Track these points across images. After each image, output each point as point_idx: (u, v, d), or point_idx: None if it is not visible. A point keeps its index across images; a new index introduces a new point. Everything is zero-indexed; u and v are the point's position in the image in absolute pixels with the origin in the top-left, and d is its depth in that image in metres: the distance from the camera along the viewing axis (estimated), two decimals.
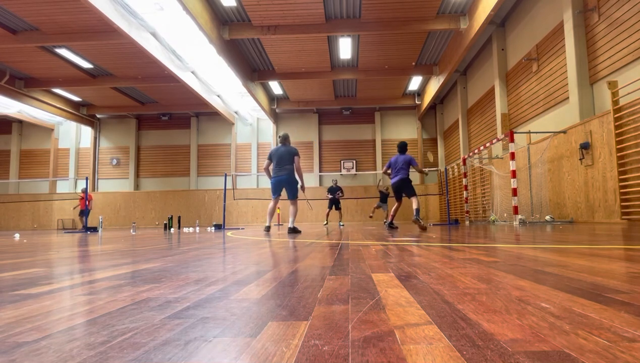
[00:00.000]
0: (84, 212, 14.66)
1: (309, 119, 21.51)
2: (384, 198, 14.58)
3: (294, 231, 6.40)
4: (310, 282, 1.35)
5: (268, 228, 6.64)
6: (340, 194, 13.67)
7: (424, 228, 6.61)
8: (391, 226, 7.61)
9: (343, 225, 13.11)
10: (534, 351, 0.61)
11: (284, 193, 6.98)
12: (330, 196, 13.66)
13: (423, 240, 3.69)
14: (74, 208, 15.15)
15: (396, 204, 7.63)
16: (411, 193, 7.38)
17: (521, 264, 1.69)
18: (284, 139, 6.82)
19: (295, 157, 6.68)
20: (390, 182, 7.65)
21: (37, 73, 16.06)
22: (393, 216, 7.59)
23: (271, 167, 6.84)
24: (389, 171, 7.70)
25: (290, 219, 6.64)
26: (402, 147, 7.65)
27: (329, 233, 5.88)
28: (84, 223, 11.39)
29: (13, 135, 22.28)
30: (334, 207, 13.66)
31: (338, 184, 14.20)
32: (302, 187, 6.96)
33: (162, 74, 15.98)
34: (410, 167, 7.52)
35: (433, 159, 8.54)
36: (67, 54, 14.18)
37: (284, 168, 6.63)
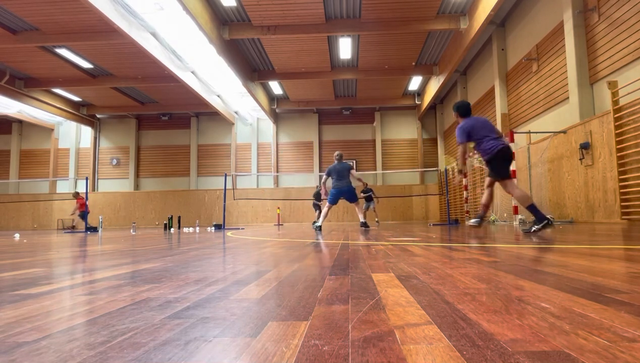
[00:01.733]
0: (84, 215, 14.68)
1: (309, 119, 21.52)
2: (369, 198, 14.58)
3: (365, 225, 7.94)
4: (310, 282, 1.35)
5: (318, 227, 7.72)
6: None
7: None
8: (481, 221, 5.27)
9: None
10: (534, 351, 0.61)
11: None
12: (316, 201, 14.24)
13: (423, 240, 3.69)
14: (72, 214, 15.09)
15: (493, 184, 5.03)
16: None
17: (521, 264, 1.69)
18: (340, 157, 8.25)
19: (351, 171, 8.21)
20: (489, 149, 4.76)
21: (37, 73, 16.06)
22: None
23: (328, 182, 8.33)
24: (472, 142, 4.98)
25: (360, 216, 8.17)
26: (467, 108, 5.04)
27: (324, 235, 5.88)
28: (86, 224, 11.40)
29: (13, 135, 22.28)
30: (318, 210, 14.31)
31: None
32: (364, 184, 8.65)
33: (162, 74, 15.97)
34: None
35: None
36: (67, 54, 14.18)
37: (344, 181, 8.09)
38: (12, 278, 1.63)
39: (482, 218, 5.25)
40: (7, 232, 13.58)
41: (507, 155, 4.83)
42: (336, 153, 8.32)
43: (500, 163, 4.82)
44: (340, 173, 8.12)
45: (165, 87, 17.85)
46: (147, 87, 17.94)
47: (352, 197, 8.24)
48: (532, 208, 4.56)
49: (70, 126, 22.04)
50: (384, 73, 16.07)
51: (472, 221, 5.34)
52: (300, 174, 20.98)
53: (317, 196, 14.45)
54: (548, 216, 4.58)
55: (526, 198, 4.66)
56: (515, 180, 5.35)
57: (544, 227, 4.43)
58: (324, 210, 8.14)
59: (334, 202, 8.15)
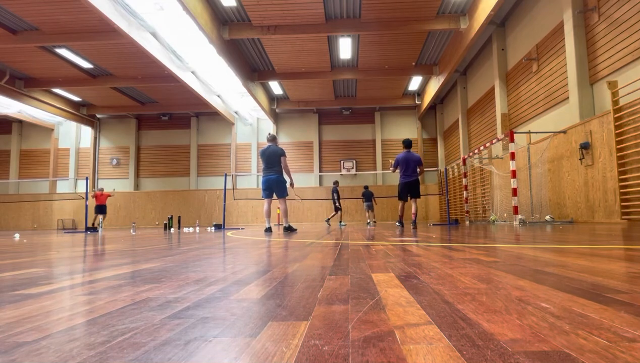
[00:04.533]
0: (101, 209, 14.82)
1: (309, 119, 21.52)
2: (368, 197, 14.75)
3: (290, 229, 6.71)
4: (310, 282, 1.35)
5: (269, 229, 6.72)
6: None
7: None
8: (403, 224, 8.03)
9: (345, 224, 13.38)
10: (534, 351, 0.61)
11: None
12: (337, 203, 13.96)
13: (423, 240, 3.69)
14: (92, 196, 15.30)
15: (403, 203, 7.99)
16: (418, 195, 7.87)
17: (521, 264, 1.69)
18: (272, 139, 7.08)
19: (282, 158, 6.91)
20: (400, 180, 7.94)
21: (37, 73, 16.06)
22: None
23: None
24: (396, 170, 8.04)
25: (284, 219, 6.90)
26: (409, 143, 7.94)
27: (329, 233, 5.88)
28: (85, 223, 11.38)
29: (13, 135, 22.28)
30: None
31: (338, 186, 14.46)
32: (291, 184, 7.18)
33: (162, 74, 15.98)
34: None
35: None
36: (67, 54, 14.18)
37: (272, 169, 6.90)
38: (12, 278, 1.63)
39: (400, 223, 7.94)
40: (7, 232, 13.59)
41: (406, 187, 7.77)
42: (268, 133, 7.26)
43: (401, 189, 7.82)
44: (269, 159, 6.87)
45: (165, 87, 17.85)
46: (147, 87, 17.95)
47: (279, 191, 6.89)
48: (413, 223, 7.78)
49: (70, 126, 22.05)
50: (384, 73, 16.07)
51: (397, 223, 8.21)
52: (300, 173, 20.98)
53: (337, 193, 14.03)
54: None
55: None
56: (400, 203, 7.98)
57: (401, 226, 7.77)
58: (265, 206, 7.04)
59: (266, 195, 6.91)
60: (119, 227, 20.97)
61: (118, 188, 21.92)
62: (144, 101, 20.20)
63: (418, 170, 7.87)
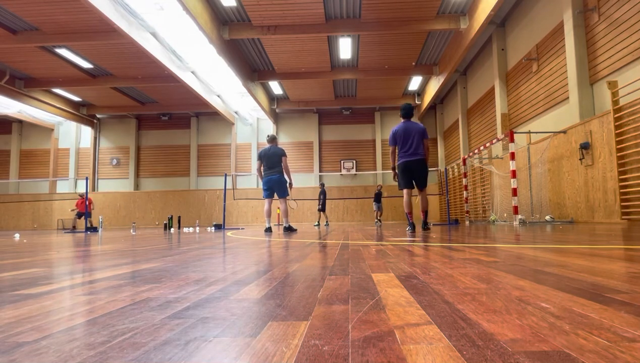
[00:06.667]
0: (82, 214, 14.63)
1: (309, 119, 21.52)
2: (378, 198, 15.00)
3: (289, 229, 6.72)
4: (310, 282, 1.35)
5: (269, 229, 6.76)
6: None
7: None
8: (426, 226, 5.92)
9: (318, 224, 13.87)
10: (534, 351, 0.61)
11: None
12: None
13: (423, 240, 3.69)
14: (71, 210, 15.15)
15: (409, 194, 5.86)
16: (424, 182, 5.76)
17: (521, 264, 1.69)
18: (272, 140, 7.17)
19: (283, 158, 7.01)
20: (398, 161, 5.89)
21: (37, 73, 16.06)
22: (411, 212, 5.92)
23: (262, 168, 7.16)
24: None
25: (284, 219, 6.95)
26: (409, 110, 5.91)
27: (326, 234, 5.87)
28: (86, 224, 11.33)
29: (13, 135, 22.29)
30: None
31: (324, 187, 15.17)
32: (290, 185, 7.19)
33: (162, 74, 15.98)
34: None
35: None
36: (67, 54, 14.18)
37: (274, 169, 6.97)
38: (12, 278, 1.63)
39: (410, 224, 5.78)
40: (7, 232, 13.58)
41: (407, 169, 5.73)
42: (267, 134, 7.12)
43: (401, 172, 5.82)
44: (271, 160, 6.93)
45: (165, 87, 17.85)
46: (147, 87, 17.95)
47: (280, 191, 6.95)
48: (425, 214, 5.84)
49: (70, 126, 22.05)
50: (384, 73, 16.08)
51: (407, 229, 5.90)
52: (300, 173, 20.99)
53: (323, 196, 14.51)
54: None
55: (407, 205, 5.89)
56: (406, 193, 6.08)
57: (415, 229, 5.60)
58: (265, 206, 7.07)
59: (267, 195, 6.95)
60: (119, 227, 20.97)
61: (118, 188, 21.93)
62: (144, 101, 20.20)
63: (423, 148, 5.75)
